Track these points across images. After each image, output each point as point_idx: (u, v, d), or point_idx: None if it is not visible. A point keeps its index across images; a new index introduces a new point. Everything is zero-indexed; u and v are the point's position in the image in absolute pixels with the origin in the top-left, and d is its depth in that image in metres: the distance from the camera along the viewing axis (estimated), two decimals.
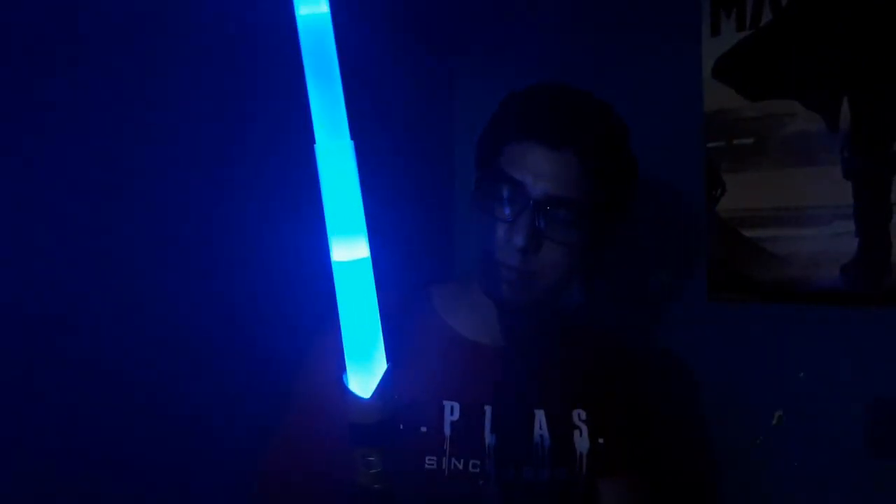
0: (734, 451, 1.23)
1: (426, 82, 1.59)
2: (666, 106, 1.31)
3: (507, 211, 0.88)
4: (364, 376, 0.69)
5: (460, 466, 0.92)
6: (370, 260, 0.67)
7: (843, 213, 1.13)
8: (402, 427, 0.91)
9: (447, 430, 0.93)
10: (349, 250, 0.66)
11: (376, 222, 1.47)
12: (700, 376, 1.27)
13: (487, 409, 0.94)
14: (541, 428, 0.95)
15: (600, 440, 0.96)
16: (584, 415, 0.97)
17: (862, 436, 1.12)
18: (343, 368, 0.70)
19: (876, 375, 1.11)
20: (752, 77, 1.22)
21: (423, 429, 0.93)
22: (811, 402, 1.17)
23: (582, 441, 0.96)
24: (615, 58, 1.37)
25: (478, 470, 0.93)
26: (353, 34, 1.41)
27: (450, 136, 1.62)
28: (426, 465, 0.92)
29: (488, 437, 0.94)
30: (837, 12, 1.14)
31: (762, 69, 1.21)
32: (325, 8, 0.62)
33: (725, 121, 1.24)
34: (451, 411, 0.94)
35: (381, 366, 0.69)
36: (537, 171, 0.87)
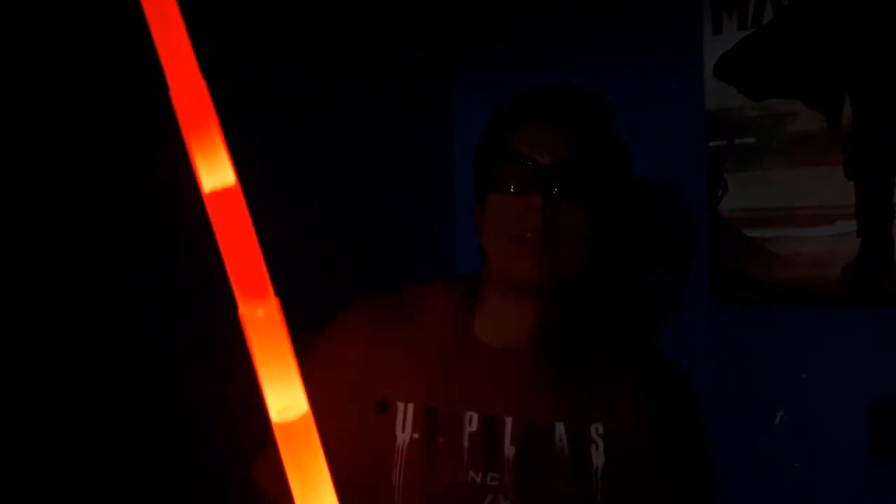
0: (736, 451, 1.23)
1: (427, 82, 1.58)
2: (667, 105, 1.30)
3: (522, 183, 0.92)
4: None
5: (478, 479, 0.91)
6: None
7: (845, 213, 1.13)
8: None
9: (466, 442, 0.92)
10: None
11: (378, 221, 1.47)
12: (701, 376, 1.27)
13: (508, 420, 0.93)
14: (560, 441, 0.94)
15: (616, 456, 0.95)
16: (601, 429, 0.96)
17: (864, 436, 1.11)
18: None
19: (878, 375, 1.11)
20: (753, 76, 1.21)
21: (441, 439, 0.92)
22: (813, 402, 1.16)
23: (598, 455, 0.95)
24: (616, 57, 1.36)
25: (496, 483, 0.91)
26: (353, 38, 1.41)
27: (450, 136, 1.62)
28: (443, 478, 0.91)
29: (507, 450, 0.93)
30: (839, 11, 1.13)
31: (764, 68, 1.20)
32: None
33: (727, 120, 1.23)
34: (470, 422, 0.93)
35: None
36: (542, 144, 0.93)
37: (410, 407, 0.93)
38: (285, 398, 0.53)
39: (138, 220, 1.09)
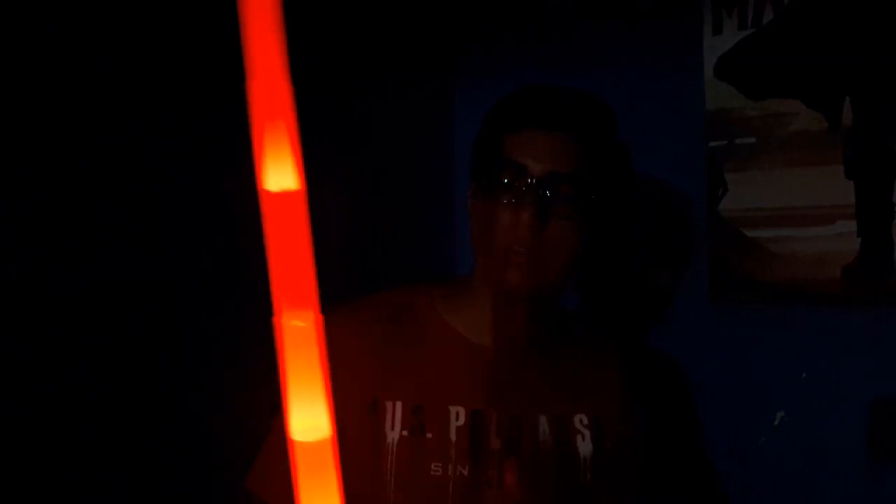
0: (736, 451, 1.23)
1: (426, 83, 1.58)
2: (667, 105, 1.30)
3: (512, 193, 0.90)
4: None
5: (466, 472, 0.92)
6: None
7: (845, 213, 1.13)
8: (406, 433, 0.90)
9: (453, 436, 0.93)
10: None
11: (378, 221, 1.47)
12: (702, 376, 1.27)
13: (493, 413, 0.94)
14: (544, 432, 0.95)
15: (604, 445, 0.96)
16: (585, 419, 0.96)
17: (864, 436, 1.11)
18: None
19: (878, 375, 1.11)
20: (753, 76, 1.21)
21: (429, 435, 0.93)
22: (813, 402, 1.17)
23: (585, 446, 0.95)
24: (616, 57, 1.36)
25: (484, 475, 0.92)
26: (353, 35, 1.41)
27: (450, 136, 1.62)
28: (432, 472, 0.92)
29: (493, 442, 0.93)
30: (839, 11, 1.13)
31: (764, 68, 1.20)
32: None
33: (727, 120, 1.23)
34: (457, 417, 0.94)
35: None
36: (538, 153, 0.90)
37: (399, 405, 0.93)
38: (310, 418, 0.51)
39: (134, 218, 1.09)
